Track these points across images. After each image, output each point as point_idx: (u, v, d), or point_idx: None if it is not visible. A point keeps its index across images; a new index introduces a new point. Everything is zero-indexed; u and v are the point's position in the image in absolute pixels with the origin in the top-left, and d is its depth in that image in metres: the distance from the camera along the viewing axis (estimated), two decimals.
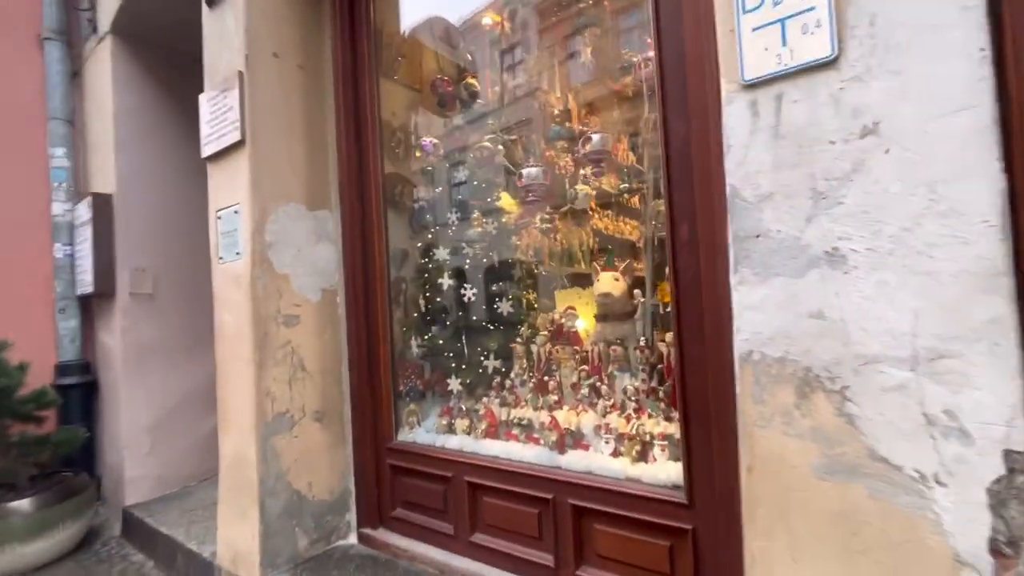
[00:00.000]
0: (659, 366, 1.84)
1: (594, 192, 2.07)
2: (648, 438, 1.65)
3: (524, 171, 1.97)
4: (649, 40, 1.56)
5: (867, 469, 0.78)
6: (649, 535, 1.51)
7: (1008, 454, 0.69)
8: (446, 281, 2.26)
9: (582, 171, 1.92)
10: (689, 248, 1.41)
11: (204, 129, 2.26)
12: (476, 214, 2.30)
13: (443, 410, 2.24)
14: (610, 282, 2.07)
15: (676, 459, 1.58)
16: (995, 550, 0.69)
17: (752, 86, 0.88)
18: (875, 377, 0.78)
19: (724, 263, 1.29)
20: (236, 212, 2.13)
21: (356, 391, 2.27)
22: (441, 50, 2.82)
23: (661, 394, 1.78)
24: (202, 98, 2.28)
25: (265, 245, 2.11)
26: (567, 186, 2.05)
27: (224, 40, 2.19)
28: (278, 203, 2.17)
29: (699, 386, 1.39)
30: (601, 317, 2.17)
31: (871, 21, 0.78)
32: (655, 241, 2.11)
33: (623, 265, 2.14)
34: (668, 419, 1.71)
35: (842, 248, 0.80)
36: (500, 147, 2.19)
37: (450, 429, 2.15)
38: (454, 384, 2.20)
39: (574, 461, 1.73)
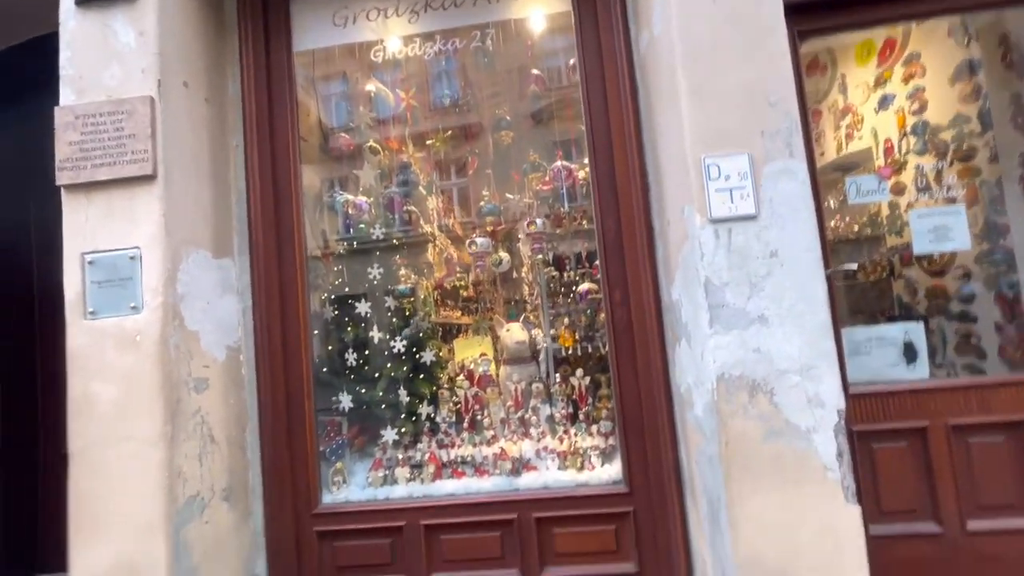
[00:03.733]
0: (572, 396, 2.38)
1: (510, 258, 2.54)
2: (583, 451, 2.15)
3: (477, 240, 2.28)
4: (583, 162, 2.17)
5: (784, 432, 1.48)
6: (600, 524, 1.98)
7: (839, 412, 1.47)
8: (376, 334, 2.32)
9: (523, 247, 2.38)
10: (621, 306, 2.03)
11: (65, 150, 1.81)
12: (402, 271, 2.45)
13: (373, 464, 2.25)
14: (520, 331, 2.54)
15: (608, 463, 2.13)
16: (836, 458, 1.45)
17: (715, 221, 1.55)
18: (785, 381, 1.49)
19: (651, 316, 1.94)
20: (132, 258, 1.77)
21: (271, 458, 2.06)
22: (321, 102, 2.88)
23: (581, 416, 2.31)
24: (62, 112, 1.82)
25: (178, 298, 1.82)
26: (492, 252, 2.46)
27: (114, 54, 1.84)
28: (188, 250, 1.90)
29: (633, 406, 1.99)
30: (507, 361, 2.60)
31: (770, 200, 1.54)
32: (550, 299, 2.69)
33: (522, 317, 2.65)
34: (590, 434, 2.25)
35: (766, 314, 1.51)
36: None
37: (387, 480, 2.19)
38: (389, 435, 2.25)
39: (530, 481, 2.08)
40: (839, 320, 1.85)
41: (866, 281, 3.25)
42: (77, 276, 1.78)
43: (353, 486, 2.19)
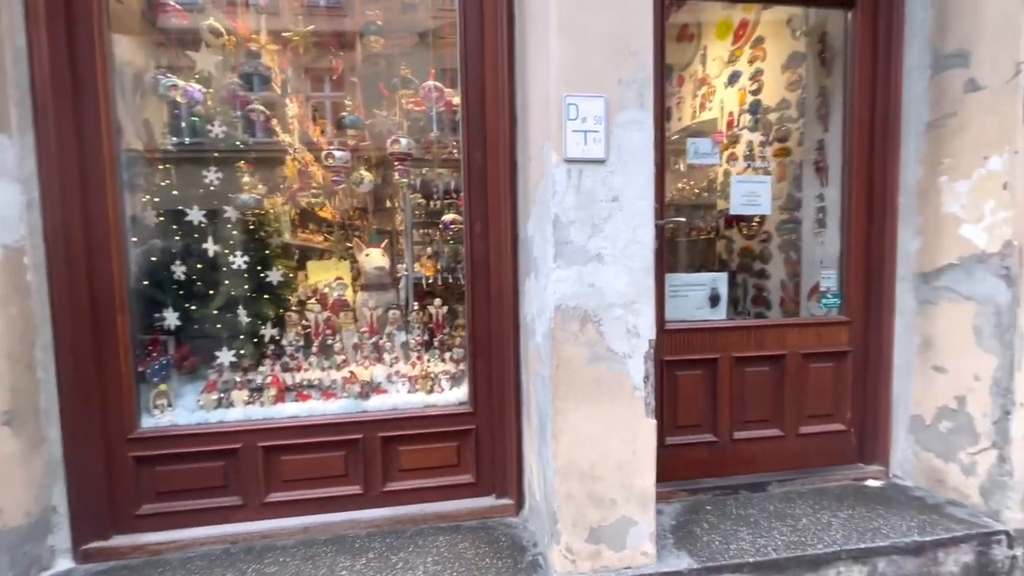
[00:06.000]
0: (429, 324, 2.43)
1: (373, 178, 2.41)
2: (434, 376, 2.23)
3: (335, 153, 2.08)
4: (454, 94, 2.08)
5: (606, 357, 1.68)
6: (444, 441, 2.11)
7: (650, 342, 1.71)
8: (211, 247, 2.07)
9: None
10: (481, 238, 2.08)
11: None
12: (247, 179, 2.17)
13: (207, 386, 2.08)
14: (380, 256, 2.48)
15: (457, 387, 2.24)
16: (643, 380, 1.71)
17: (569, 161, 1.61)
18: (611, 313, 1.67)
19: (507, 250, 2.03)
20: None
21: (72, 378, 1.79)
22: None
23: (436, 344, 2.37)
24: None
25: None
26: (353, 168, 2.30)
27: None
28: None
29: (483, 334, 2.09)
30: (365, 286, 2.54)
31: (619, 147, 1.64)
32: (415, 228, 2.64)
33: (384, 243, 2.58)
34: (443, 360, 2.33)
35: (602, 253, 1.65)
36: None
37: (222, 403, 2.05)
38: (225, 357, 2.08)
39: (379, 403, 2.11)
40: (664, 266, 2.12)
41: (698, 238, 3.75)
42: None
43: (180, 409, 2.01)
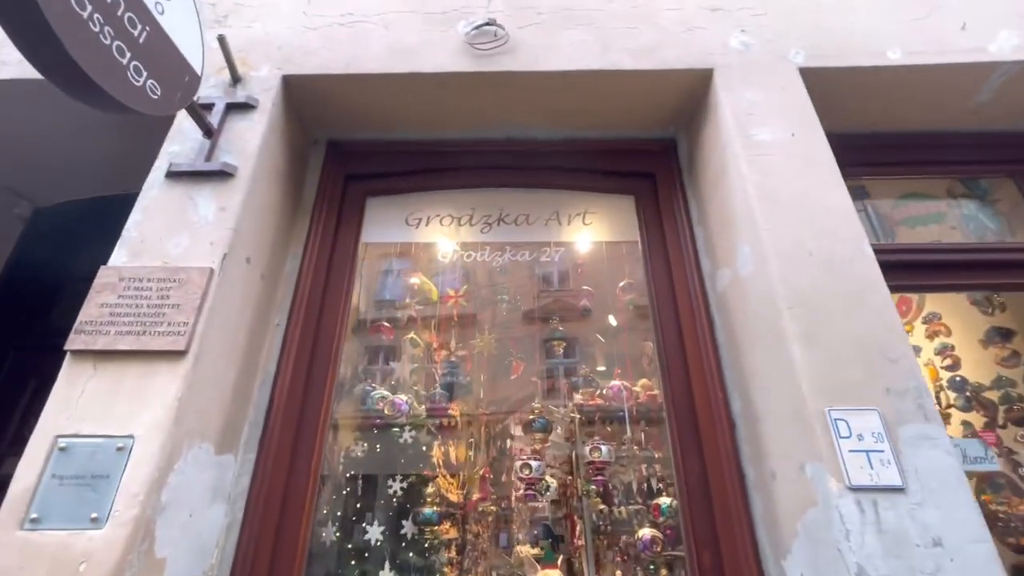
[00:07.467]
0: None
1: (557, 484, 2.16)
2: None
3: (532, 463, 1.95)
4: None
5: None
6: None
7: None
8: (387, 574, 1.79)
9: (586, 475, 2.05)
10: (713, 574, 1.62)
11: (92, 312, 1.57)
12: (430, 489, 2.03)
13: None
14: None
15: None
16: None
17: (855, 489, 1.31)
18: None
19: None
20: (120, 449, 1.40)
21: None
22: (365, 287, 2.80)
23: None
24: (106, 271, 1.65)
25: (158, 509, 1.39)
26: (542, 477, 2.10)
27: (188, 224, 1.76)
28: (191, 443, 1.53)
29: None
30: None
31: (916, 471, 1.33)
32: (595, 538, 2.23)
33: (560, 560, 2.15)
34: None
35: None
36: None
37: None
38: None
39: None
40: None
41: None
42: (36, 466, 1.37)
43: None
